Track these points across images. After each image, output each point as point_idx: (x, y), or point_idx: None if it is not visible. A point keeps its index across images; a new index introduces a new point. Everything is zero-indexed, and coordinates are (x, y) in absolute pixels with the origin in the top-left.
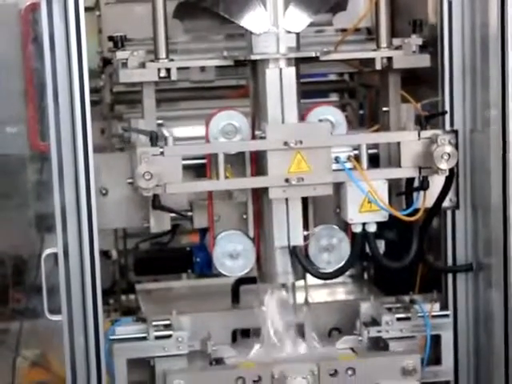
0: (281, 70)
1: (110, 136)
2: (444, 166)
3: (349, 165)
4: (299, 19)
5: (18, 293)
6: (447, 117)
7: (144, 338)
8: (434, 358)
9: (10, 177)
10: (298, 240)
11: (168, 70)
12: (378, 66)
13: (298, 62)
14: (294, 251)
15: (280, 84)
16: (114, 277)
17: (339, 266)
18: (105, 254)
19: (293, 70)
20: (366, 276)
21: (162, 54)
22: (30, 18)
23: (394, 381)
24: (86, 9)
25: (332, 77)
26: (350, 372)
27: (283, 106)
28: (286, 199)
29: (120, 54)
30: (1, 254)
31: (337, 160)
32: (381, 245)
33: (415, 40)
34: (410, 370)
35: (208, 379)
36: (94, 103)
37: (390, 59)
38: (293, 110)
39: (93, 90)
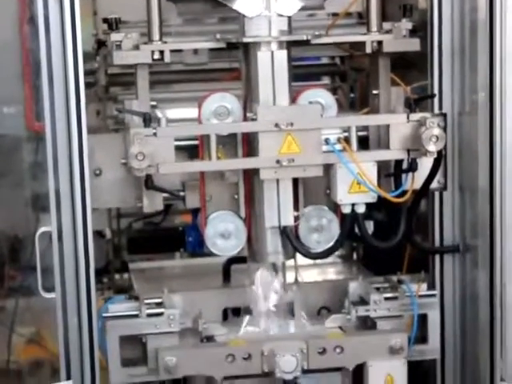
0: (272, 52)
1: (105, 117)
2: (432, 148)
3: (339, 147)
4: (291, 3)
5: (14, 270)
6: (436, 100)
7: (136, 316)
8: (421, 337)
9: (5, 157)
10: (288, 220)
11: (161, 53)
12: (369, 50)
13: (290, 45)
14: (284, 231)
15: (272, 67)
16: (107, 256)
17: (328, 246)
18: (99, 234)
19: (284, 52)
20: (355, 256)
21: (156, 36)
22: (27, 0)
23: (382, 359)
24: None
25: (324, 60)
26: (338, 350)
27: (275, 89)
28: (277, 180)
29: (114, 36)
30: None
31: (327, 142)
32: (369, 225)
33: (405, 24)
34: (398, 348)
35: (199, 356)
36: (89, 85)
37: (380, 43)
38: (284, 93)
39: (88, 72)
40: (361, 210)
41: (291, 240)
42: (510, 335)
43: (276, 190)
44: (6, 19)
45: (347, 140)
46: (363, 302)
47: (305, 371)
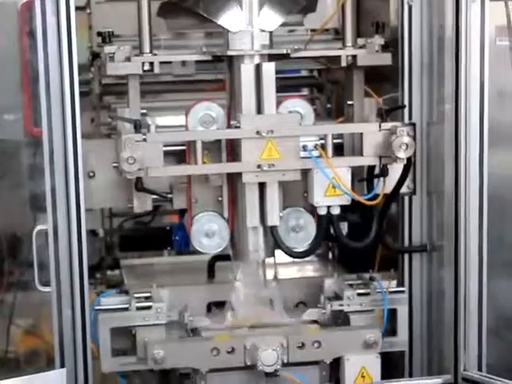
0: (257, 65)
1: (98, 124)
2: (402, 155)
3: (315, 153)
4: (272, 19)
5: (12, 266)
6: (406, 110)
7: (126, 309)
8: (391, 330)
9: (5, 160)
10: (274, 221)
11: (151, 64)
12: (344, 64)
13: (271, 58)
14: (271, 231)
15: (256, 78)
16: (100, 253)
17: (309, 247)
18: (92, 233)
19: (272, 64)
20: (330, 255)
21: (146, 49)
22: (26, 15)
23: (357, 353)
24: (78, 7)
25: (303, 73)
26: (316, 345)
27: (263, 98)
28: (265, 184)
29: (108, 49)
30: None
31: (305, 148)
32: (344, 226)
33: (378, 40)
34: (371, 343)
35: (185, 349)
36: (84, 94)
37: (354, 57)
38: (271, 102)
39: (83, 82)
40: (336, 211)
41: (277, 239)
42: (473, 329)
43: (257, 193)
44: (7, 32)
45: (323, 147)
46: (337, 297)
47: (285, 364)
